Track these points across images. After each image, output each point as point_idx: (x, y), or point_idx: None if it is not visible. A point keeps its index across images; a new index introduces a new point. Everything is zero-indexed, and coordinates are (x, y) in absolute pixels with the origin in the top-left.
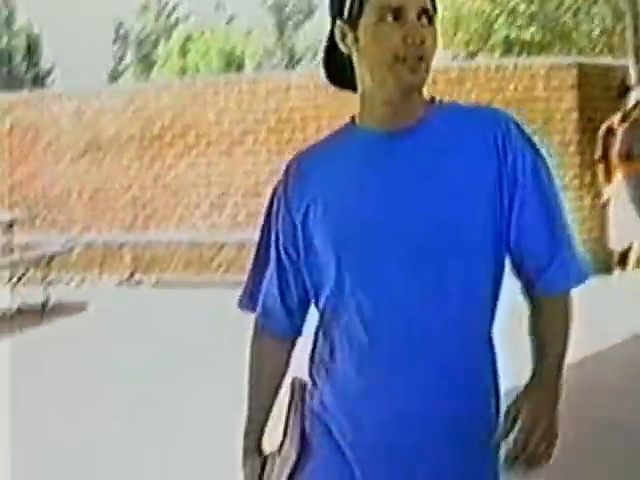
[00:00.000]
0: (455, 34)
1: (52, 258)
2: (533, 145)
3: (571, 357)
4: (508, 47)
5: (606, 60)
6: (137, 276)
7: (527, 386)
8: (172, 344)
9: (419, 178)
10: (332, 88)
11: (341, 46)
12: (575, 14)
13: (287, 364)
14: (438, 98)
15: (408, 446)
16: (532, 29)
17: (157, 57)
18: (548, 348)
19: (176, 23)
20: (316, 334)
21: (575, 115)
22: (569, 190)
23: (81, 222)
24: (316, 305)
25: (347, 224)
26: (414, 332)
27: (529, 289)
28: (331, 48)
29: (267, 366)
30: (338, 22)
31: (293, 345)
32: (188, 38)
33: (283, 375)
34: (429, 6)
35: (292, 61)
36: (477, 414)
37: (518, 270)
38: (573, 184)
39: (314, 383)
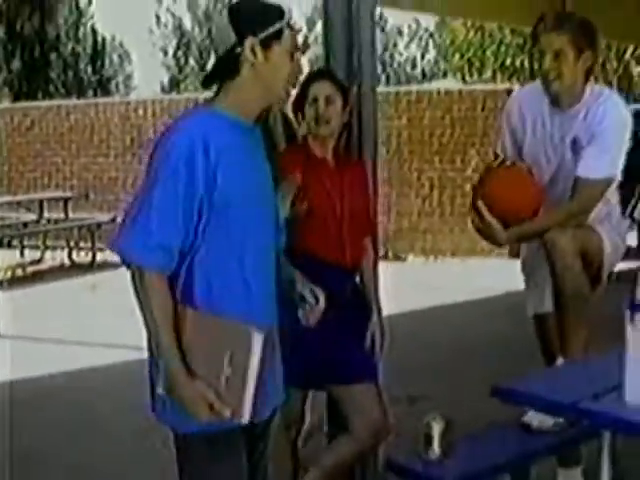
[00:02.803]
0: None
1: (98, 227)
2: None
3: None
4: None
5: None
6: None
7: None
8: None
9: (264, 160)
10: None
11: (248, 55)
12: None
13: None
14: None
15: None
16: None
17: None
18: None
19: None
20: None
21: None
22: None
23: (124, 203)
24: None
25: (239, 182)
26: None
27: None
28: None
29: (163, 301)
30: (251, 38)
31: None
32: None
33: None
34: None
35: None
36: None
37: None
38: None
39: None
